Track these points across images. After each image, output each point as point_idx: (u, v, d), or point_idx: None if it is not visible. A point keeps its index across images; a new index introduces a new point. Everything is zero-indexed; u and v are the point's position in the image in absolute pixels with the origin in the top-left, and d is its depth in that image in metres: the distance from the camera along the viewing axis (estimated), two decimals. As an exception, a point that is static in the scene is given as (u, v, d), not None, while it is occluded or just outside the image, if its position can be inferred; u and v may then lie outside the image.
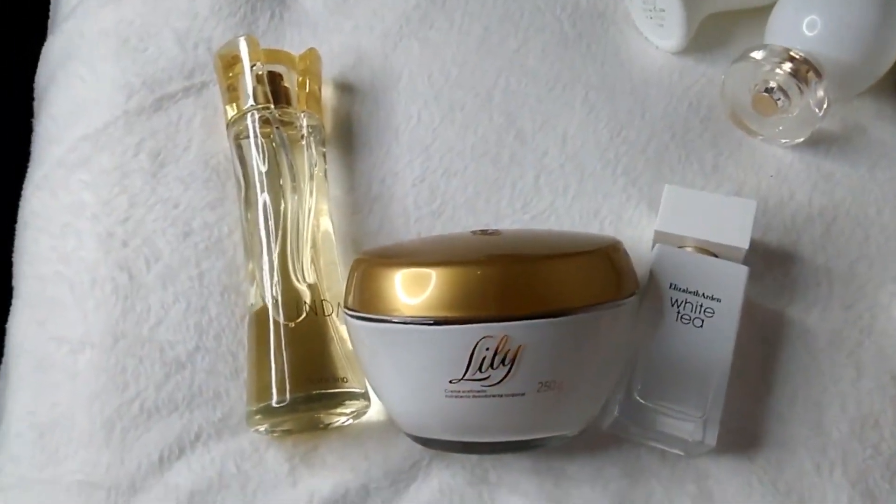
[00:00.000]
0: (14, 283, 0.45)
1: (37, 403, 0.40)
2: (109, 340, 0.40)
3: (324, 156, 0.43)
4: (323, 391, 0.37)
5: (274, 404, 0.36)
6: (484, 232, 0.38)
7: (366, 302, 0.35)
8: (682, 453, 0.38)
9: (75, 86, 0.47)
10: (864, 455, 0.38)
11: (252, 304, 0.40)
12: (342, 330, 0.39)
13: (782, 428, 0.38)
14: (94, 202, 0.43)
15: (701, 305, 0.37)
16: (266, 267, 0.39)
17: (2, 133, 0.58)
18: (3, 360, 0.43)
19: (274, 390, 0.37)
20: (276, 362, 0.37)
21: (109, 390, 0.40)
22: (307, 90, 0.44)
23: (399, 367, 0.34)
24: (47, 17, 0.54)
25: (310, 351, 0.38)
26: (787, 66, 0.42)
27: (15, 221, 0.46)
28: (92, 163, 0.44)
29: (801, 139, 0.45)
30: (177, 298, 0.41)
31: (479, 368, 0.32)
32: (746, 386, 0.39)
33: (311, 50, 0.44)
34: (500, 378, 0.32)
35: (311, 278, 0.39)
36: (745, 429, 0.39)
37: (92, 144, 0.45)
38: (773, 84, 0.43)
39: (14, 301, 0.44)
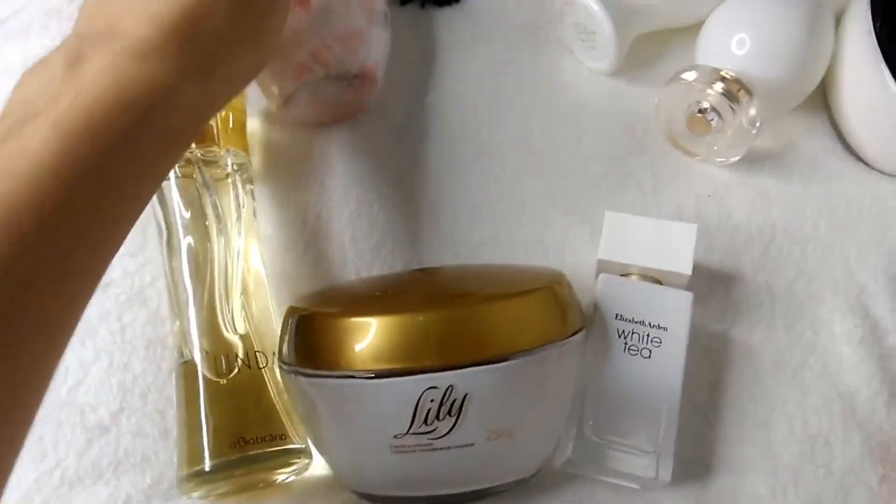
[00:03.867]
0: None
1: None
2: (22, 407, 0.37)
3: (251, 193, 0.41)
4: (260, 451, 0.35)
5: (207, 469, 0.34)
6: (424, 271, 0.36)
7: (301, 355, 0.33)
8: (637, 487, 0.37)
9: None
10: (817, 476, 0.38)
11: (179, 358, 0.37)
12: (279, 382, 0.37)
13: (733, 452, 0.38)
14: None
15: (648, 335, 0.36)
16: (193, 318, 0.37)
17: None
18: None
19: (206, 454, 0.34)
20: (207, 422, 0.35)
21: (26, 461, 0.37)
22: (231, 125, 0.41)
23: (341, 423, 0.33)
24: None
25: (244, 408, 0.36)
26: (719, 86, 0.42)
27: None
28: None
29: (737, 157, 0.45)
30: (97, 355, 0.39)
31: (425, 421, 0.31)
32: (696, 413, 0.39)
33: (234, 83, 0.42)
34: (448, 429, 0.31)
35: (242, 328, 0.37)
36: (697, 456, 0.38)
37: None
38: (705, 104, 0.43)
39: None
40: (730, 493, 0.37)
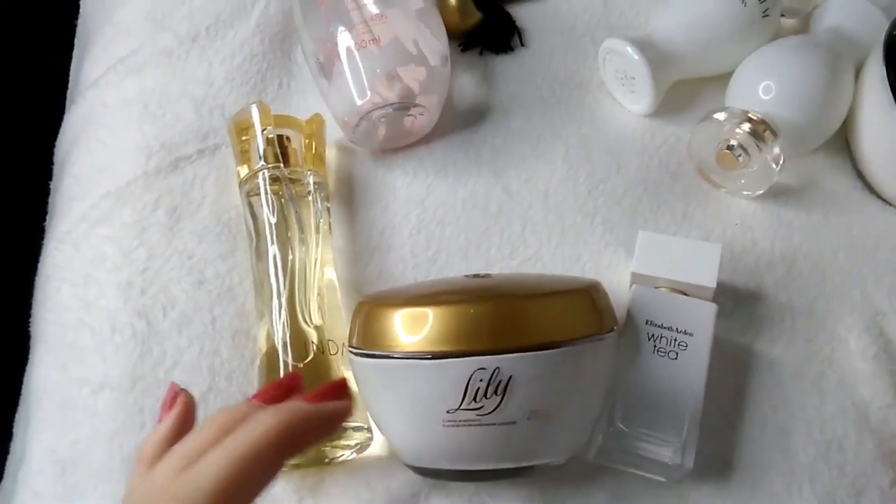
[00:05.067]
0: (33, 329, 0.48)
1: (58, 442, 0.42)
2: (128, 382, 0.43)
3: (328, 210, 0.47)
4: (330, 425, 0.40)
5: (284, 438, 0.39)
6: (476, 276, 0.41)
7: (368, 340, 0.38)
8: (662, 479, 0.41)
9: (97, 149, 0.51)
10: (831, 476, 0.41)
11: (262, 347, 0.43)
12: (345, 369, 0.42)
13: (753, 452, 0.42)
14: (114, 254, 0.47)
15: (675, 339, 0.41)
16: (276, 311, 0.42)
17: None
18: (24, 401, 0.46)
19: (283, 425, 0.39)
20: (285, 399, 0.40)
21: (128, 429, 0.42)
22: (313, 151, 0.48)
23: (400, 400, 0.37)
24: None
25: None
26: (746, 126, 0.47)
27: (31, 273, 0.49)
28: (113, 218, 0.48)
29: (762, 191, 0.49)
30: (191, 342, 0.44)
31: (474, 398, 0.35)
32: (719, 414, 0.42)
33: (317, 115, 0.49)
34: (493, 407, 0.35)
35: (317, 320, 0.43)
36: (720, 454, 0.42)
37: (113, 201, 0.48)
38: (734, 142, 0.47)
39: (34, 346, 0.47)
40: (749, 488, 0.41)
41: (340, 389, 0.31)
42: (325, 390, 0.30)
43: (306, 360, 0.41)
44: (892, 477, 0.40)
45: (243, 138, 0.47)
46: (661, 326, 0.41)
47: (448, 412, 0.36)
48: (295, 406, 0.28)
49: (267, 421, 0.27)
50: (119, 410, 0.43)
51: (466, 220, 0.49)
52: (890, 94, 0.46)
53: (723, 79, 0.51)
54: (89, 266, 0.47)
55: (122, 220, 0.48)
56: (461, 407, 0.36)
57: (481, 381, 0.35)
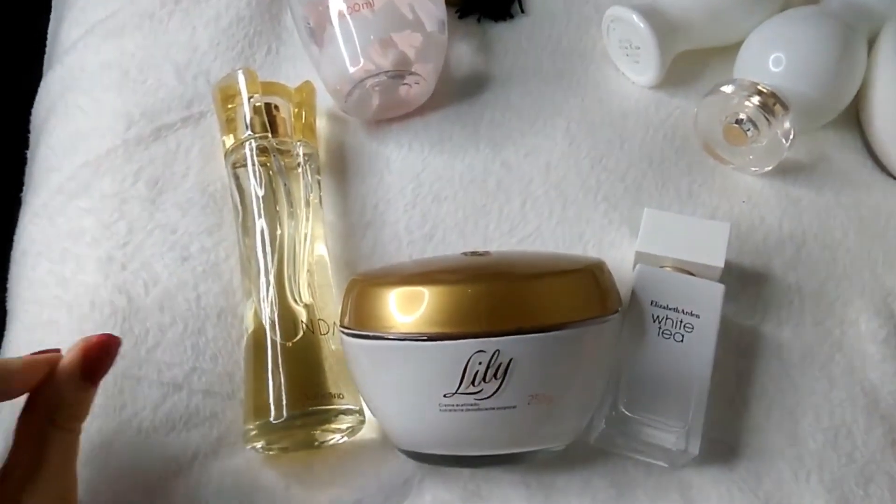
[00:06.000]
0: (9, 307, 0.45)
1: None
2: (108, 361, 0.41)
3: (319, 183, 0.45)
4: (319, 407, 0.38)
5: (272, 421, 0.37)
6: (474, 253, 0.39)
7: (362, 320, 0.36)
8: (666, 465, 0.40)
9: (75, 116, 0.48)
10: (839, 463, 0.40)
11: (248, 326, 0.41)
12: (337, 349, 0.40)
13: (760, 438, 0.40)
14: (93, 227, 0.44)
15: (681, 321, 0.39)
16: (264, 288, 0.40)
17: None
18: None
19: (272, 407, 0.37)
20: (273, 380, 0.38)
21: (108, 411, 0.40)
22: (303, 121, 0.46)
23: (395, 383, 0.36)
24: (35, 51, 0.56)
25: (306, 369, 0.39)
26: (756, 99, 0.45)
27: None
28: (92, 189, 0.46)
29: (770, 167, 0.47)
30: (174, 321, 0.42)
31: (473, 382, 0.34)
32: (725, 399, 0.41)
33: (307, 83, 0.46)
34: (493, 391, 0.34)
35: (307, 299, 0.41)
36: (725, 440, 0.40)
37: (92, 171, 0.46)
38: (742, 116, 0.46)
39: (10, 325, 0.44)
40: (755, 475, 0.39)
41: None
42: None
43: (295, 339, 0.39)
44: (903, 464, 0.39)
45: (229, 106, 0.44)
46: (667, 308, 0.39)
47: (445, 396, 0.34)
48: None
49: None
50: (98, 392, 0.40)
51: (464, 195, 0.47)
52: (906, 68, 0.44)
53: (731, 50, 0.49)
54: (67, 240, 0.44)
55: (101, 192, 0.45)
56: (459, 391, 0.34)
57: (480, 363, 0.34)
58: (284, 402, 0.37)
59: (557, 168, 0.48)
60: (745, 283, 0.44)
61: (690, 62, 0.51)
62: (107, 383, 0.40)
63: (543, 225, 0.46)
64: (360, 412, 0.39)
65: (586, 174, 0.48)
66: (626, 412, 0.37)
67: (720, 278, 0.41)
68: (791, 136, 0.45)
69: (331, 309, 0.41)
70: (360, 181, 0.47)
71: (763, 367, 0.42)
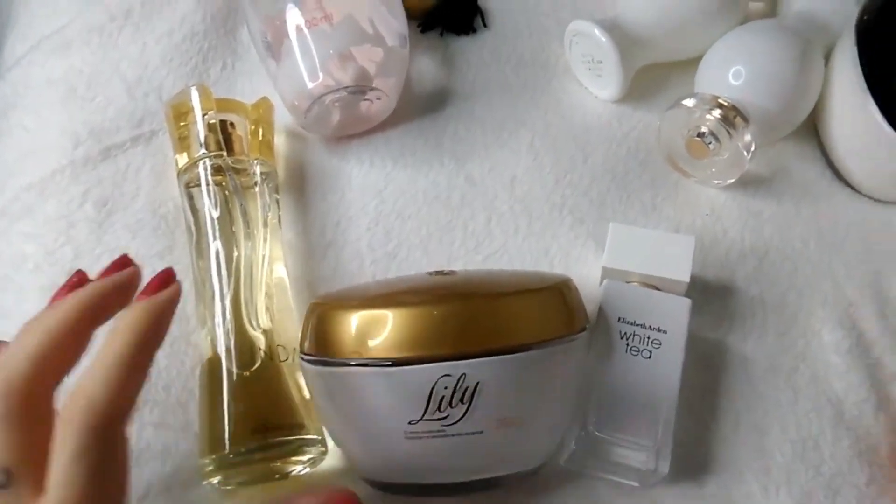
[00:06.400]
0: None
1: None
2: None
3: (277, 202, 0.44)
4: (278, 439, 0.36)
5: (228, 455, 0.36)
6: (439, 273, 0.38)
7: (322, 346, 0.35)
8: (636, 484, 0.39)
9: (19, 135, 0.46)
10: (807, 476, 0.39)
11: (204, 354, 0.39)
12: (297, 376, 0.39)
13: (728, 452, 0.40)
14: (36, 254, 0.42)
15: (648, 337, 0.39)
16: (219, 314, 0.39)
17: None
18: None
19: (227, 440, 0.36)
20: (229, 412, 0.36)
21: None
22: (260, 138, 0.44)
23: (358, 411, 0.34)
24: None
25: (264, 398, 0.37)
26: (717, 112, 0.45)
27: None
28: (35, 213, 0.43)
29: (732, 180, 0.48)
30: (125, 349, 0.40)
31: (439, 407, 0.33)
32: (692, 414, 0.41)
33: (264, 99, 0.45)
34: (459, 416, 0.33)
35: (265, 324, 0.39)
36: (694, 455, 0.40)
37: (36, 194, 0.44)
38: (704, 129, 0.46)
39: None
40: (725, 491, 0.39)
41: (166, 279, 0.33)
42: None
43: (252, 368, 0.38)
44: (869, 475, 0.39)
45: (182, 124, 0.43)
46: (634, 324, 0.39)
47: (410, 423, 0.33)
48: (90, 284, 0.31)
49: (68, 300, 0.30)
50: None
51: (428, 211, 0.46)
52: (862, 79, 0.45)
53: (692, 64, 0.50)
54: (8, 267, 0.42)
55: (45, 215, 0.43)
56: (424, 417, 0.33)
57: (446, 388, 0.32)
58: (242, 435, 0.36)
59: (522, 182, 0.47)
60: (709, 296, 0.44)
61: (652, 76, 0.51)
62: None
63: (509, 241, 0.45)
64: (323, 442, 0.38)
65: (551, 189, 0.47)
66: (596, 432, 0.37)
67: (686, 293, 0.41)
68: (752, 149, 0.45)
69: (291, 333, 0.40)
70: (321, 199, 0.46)
71: (729, 380, 0.42)
